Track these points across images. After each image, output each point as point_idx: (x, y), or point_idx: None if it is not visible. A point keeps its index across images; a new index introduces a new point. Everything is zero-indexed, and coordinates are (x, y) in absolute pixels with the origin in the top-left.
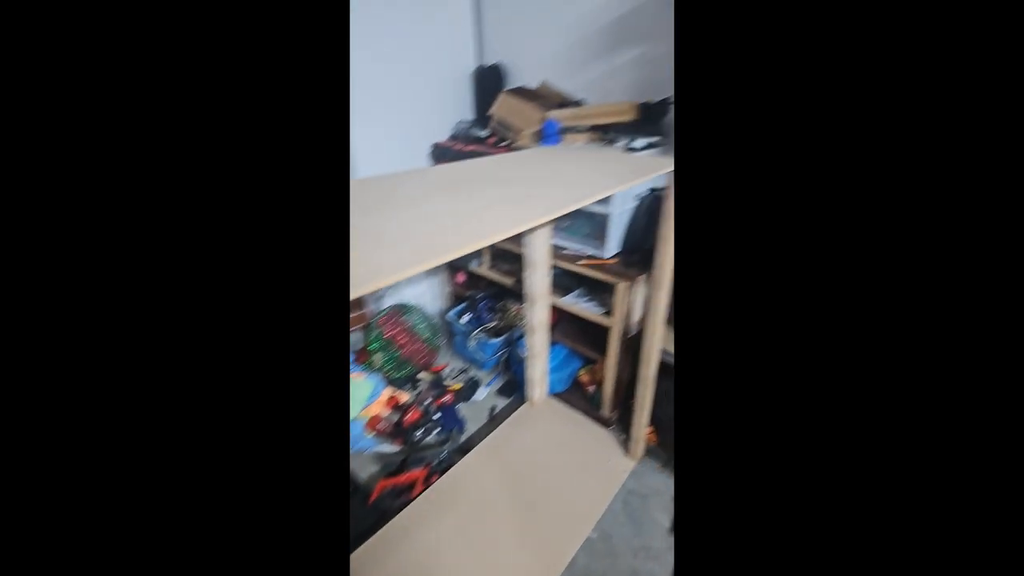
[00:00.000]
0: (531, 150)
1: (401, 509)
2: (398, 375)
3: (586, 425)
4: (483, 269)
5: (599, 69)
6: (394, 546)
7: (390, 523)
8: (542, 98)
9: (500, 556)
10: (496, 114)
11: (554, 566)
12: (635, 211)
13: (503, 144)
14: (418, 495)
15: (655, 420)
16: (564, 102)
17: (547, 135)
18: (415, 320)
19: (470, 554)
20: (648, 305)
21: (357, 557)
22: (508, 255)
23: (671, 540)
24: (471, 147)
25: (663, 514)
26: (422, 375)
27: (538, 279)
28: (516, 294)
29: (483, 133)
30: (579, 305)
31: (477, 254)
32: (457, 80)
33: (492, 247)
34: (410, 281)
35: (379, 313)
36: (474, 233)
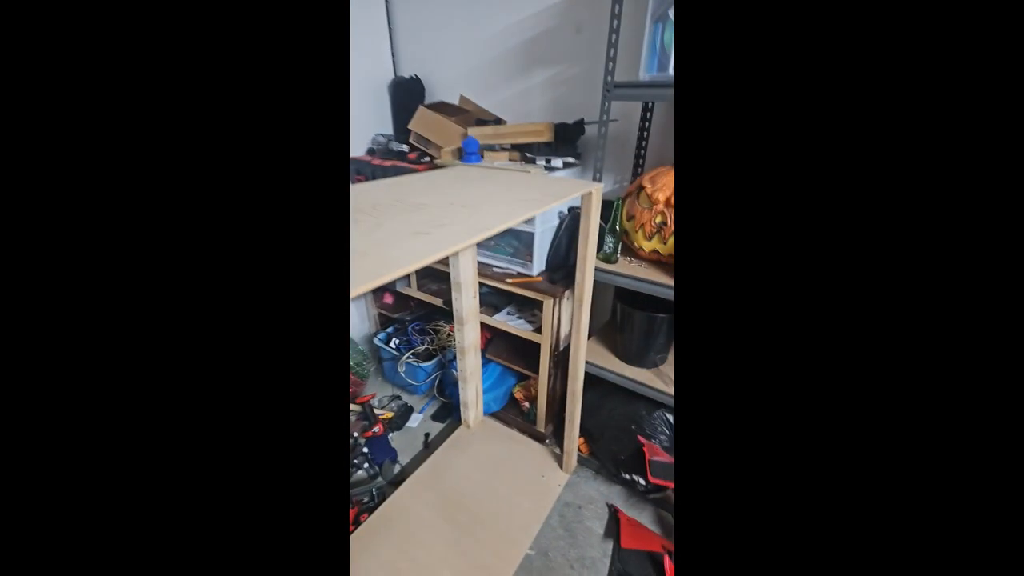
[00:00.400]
0: (456, 168)
1: None
2: None
3: (522, 442)
4: (411, 289)
5: (515, 88)
6: None
7: None
8: (461, 114)
9: None
10: (415, 129)
11: None
12: (557, 229)
13: (425, 160)
14: None
15: (585, 431)
16: (483, 119)
17: (468, 152)
18: None
19: None
20: (572, 320)
21: None
22: (437, 274)
23: (605, 547)
24: (390, 162)
25: (597, 522)
26: (349, 407)
27: (466, 300)
28: (447, 313)
29: (404, 148)
30: (510, 323)
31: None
32: (375, 91)
33: None
34: None
35: None
36: (396, 257)
